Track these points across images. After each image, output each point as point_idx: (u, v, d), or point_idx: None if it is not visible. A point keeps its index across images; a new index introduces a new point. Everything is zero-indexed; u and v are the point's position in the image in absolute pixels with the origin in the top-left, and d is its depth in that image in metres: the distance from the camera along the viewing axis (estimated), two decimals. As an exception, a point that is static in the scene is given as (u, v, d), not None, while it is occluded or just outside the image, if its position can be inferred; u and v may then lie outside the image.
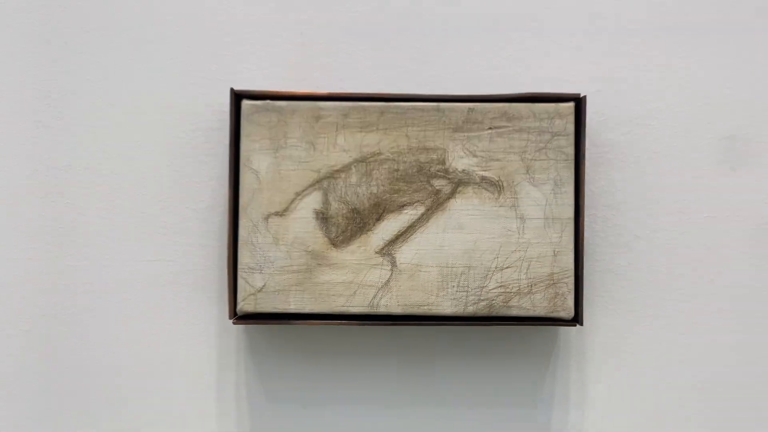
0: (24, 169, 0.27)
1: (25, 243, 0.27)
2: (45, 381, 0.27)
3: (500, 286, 0.25)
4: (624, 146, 0.28)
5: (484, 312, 0.25)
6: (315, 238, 0.26)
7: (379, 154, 0.25)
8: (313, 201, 0.26)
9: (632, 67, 0.27)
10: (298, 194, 0.26)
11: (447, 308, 0.26)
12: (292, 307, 0.26)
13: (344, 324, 0.25)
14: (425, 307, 0.26)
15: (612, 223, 0.28)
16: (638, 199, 0.28)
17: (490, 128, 0.26)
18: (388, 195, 0.26)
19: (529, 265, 0.25)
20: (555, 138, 0.25)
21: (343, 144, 0.25)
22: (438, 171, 0.26)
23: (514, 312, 0.25)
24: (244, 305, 0.25)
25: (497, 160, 0.25)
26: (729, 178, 0.27)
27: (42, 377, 0.27)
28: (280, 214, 0.26)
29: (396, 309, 0.26)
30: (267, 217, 0.25)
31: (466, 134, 0.26)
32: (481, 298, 0.25)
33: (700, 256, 0.27)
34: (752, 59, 0.28)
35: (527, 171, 0.26)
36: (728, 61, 0.28)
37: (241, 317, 0.26)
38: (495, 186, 0.26)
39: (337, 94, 0.26)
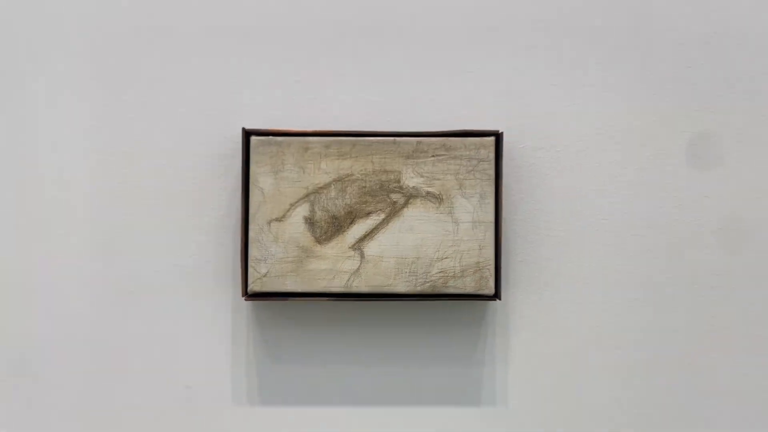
0: (85, 184, 0.36)
1: (85, 243, 0.36)
2: (97, 342, 0.36)
3: (440, 272, 0.34)
4: (535, 168, 0.36)
5: (429, 290, 0.34)
6: (304, 237, 0.34)
7: (352, 175, 0.34)
8: (303, 210, 0.34)
9: (541, 107, 0.36)
10: (292, 205, 0.34)
11: (401, 288, 0.34)
12: (288, 287, 0.34)
13: (326, 300, 0.34)
14: (386, 288, 0.35)
15: (526, 225, 0.37)
16: (545, 206, 0.36)
17: (433, 156, 0.34)
18: (358, 205, 0.34)
19: (461, 256, 0.34)
20: (480, 163, 0.34)
21: (325, 168, 0.34)
22: (395, 187, 0.35)
23: (451, 290, 0.34)
24: (253, 286, 0.34)
25: (438, 179, 0.34)
26: (616, 190, 0.36)
27: (94, 340, 0.36)
28: (279, 219, 0.35)
29: (364, 289, 0.34)
30: (269, 222, 0.34)
31: (415, 160, 0.34)
32: (426, 280, 0.34)
33: (595, 246, 0.36)
34: (634, 94, 0.36)
35: (460, 187, 0.34)
36: (614, 97, 0.36)
37: (250, 295, 0.35)
38: (436, 198, 0.34)
39: (320, 131, 0.34)
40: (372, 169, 0.34)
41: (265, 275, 0.34)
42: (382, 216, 0.34)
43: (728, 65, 0.37)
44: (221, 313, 0.36)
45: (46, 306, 0.36)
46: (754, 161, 0.36)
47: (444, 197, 0.34)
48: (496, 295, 0.34)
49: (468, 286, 0.34)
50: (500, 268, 0.34)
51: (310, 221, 0.34)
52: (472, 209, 0.34)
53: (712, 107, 0.36)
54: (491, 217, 0.34)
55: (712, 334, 0.36)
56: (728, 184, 0.36)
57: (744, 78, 0.36)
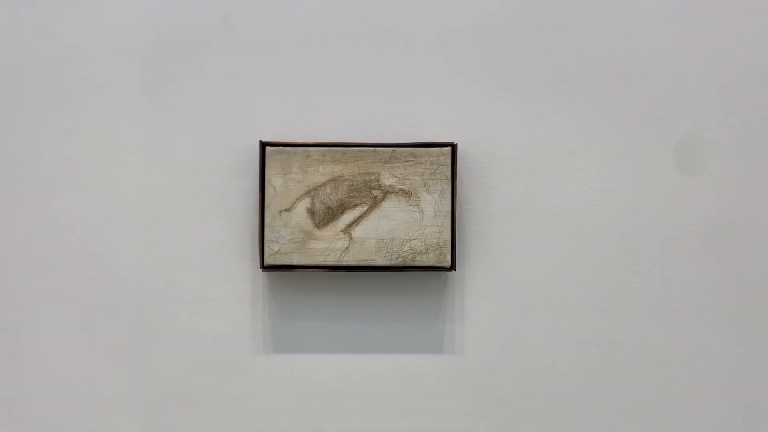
0: (140, 181, 0.46)
1: (140, 225, 0.47)
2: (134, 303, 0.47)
3: (410, 249, 0.45)
4: (483, 170, 0.47)
5: (401, 263, 0.45)
6: (306, 223, 0.45)
7: (342, 176, 0.45)
8: (305, 203, 0.45)
9: (488, 122, 0.47)
10: (297, 199, 0.45)
11: (380, 262, 0.45)
12: (294, 262, 0.45)
13: (323, 271, 0.45)
14: (368, 261, 0.45)
15: (475, 214, 0.47)
16: (490, 199, 0.47)
17: (404, 161, 0.45)
18: (347, 199, 0.45)
19: (425, 238, 0.45)
20: (440, 167, 0.45)
21: (322, 171, 0.45)
22: (375, 185, 0.45)
23: (418, 263, 0.45)
24: (268, 260, 0.45)
25: (408, 179, 0.45)
26: (549, 185, 0.46)
27: (146, 297, 0.47)
28: (287, 210, 0.45)
29: (352, 262, 0.45)
30: (280, 212, 0.45)
31: (390, 165, 0.45)
32: (399, 256, 0.45)
33: (530, 228, 0.47)
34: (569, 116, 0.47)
35: (425, 185, 0.45)
36: (549, 110, 0.47)
37: (266, 267, 0.45)
38: (407, 194, 0.45)
39: (318, 143, 0.45)
40: (358, 172, 0.45)
41: (276, 252, 0.45)
42: (366, 207, 0.45)
43: (671, 79, 0.47)
44: (243, 281, 0.47)
45: (110, 271, 0.47)
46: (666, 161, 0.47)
47: (412, 193, 0.45)
48: (452, 267, 0.45)
49: (431, 260, 0.45)
50: (455, 246, 0.45)
51: (311, 211, 0.45)
52: (433, 202, 0.45)
53: (651, 118, 0.47)
54: (448, 208, 0.45)
55: (630, 302, 0.47)
56: (637, 182, 0.47)
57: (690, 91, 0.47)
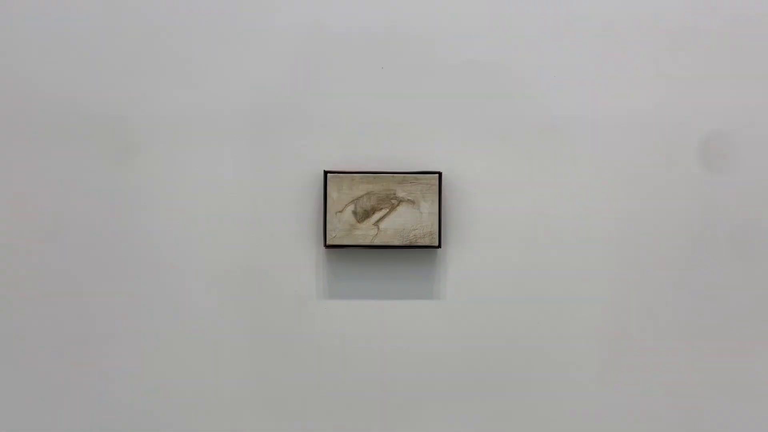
0: (240, 193, 0.75)
1: (239, 227, 0.76)
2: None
3: (414, 235, 0.73)
4: (459, 187, 0.75)
5: (408, 244, 0.73)
6: (351, 219, 0.74)
7: (373, 191, 0.73)
8: (350, 207, 0.74)
9: (471, 156, 0.75)
10: (346, 205, 0.74)
11: (396, 242, 0.74)
12: (344, 243, 0.74)
13: (361, 249, 0.73)
14: (389, 242, 0.73)
15: (455, 214, 0.76)
16: (467, 206, 0.75)
17: (410, 183, 0.73)
18: (376, 205, 0.74)
19: (423, 228, 0.73)
20: (432, 186, 0.73)
21: (361, 188, 0.73)
22: (393, 197, 0.74)
23: (418, 243, 0.73)
24: (329, 242, 0.73)
25: (413, 193, 0.73)
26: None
27: (246, 265, 0.76)
28: (340, 211, 0.74)
29: (379, 243, 0.73)
30: (335, 213, 0.74)
31: (402, 185, 0.73)
32: (407, 239, 0.73)
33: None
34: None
35: (423, 197, 0.73)
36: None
37: (327, 246, 0.74)
38: (412, 202, 0.74)
39: (358, 170, 0.73)
40: (382, 188, 0.74)
41: (333, 237, 0.73)
42: (387, 210, 0.74)
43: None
44: (314, 255, 0.74)
45: (228, 255, 0.76)
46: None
47: (415, 201, 0.74)
48: (439, 246, 0.74)
49: (426, 242, 0.73)
50: (441, 234, 0.74)
51: (354, 212, 0.74)
52: (428, 207, 0.73)
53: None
54: (436, 211, 0.73)
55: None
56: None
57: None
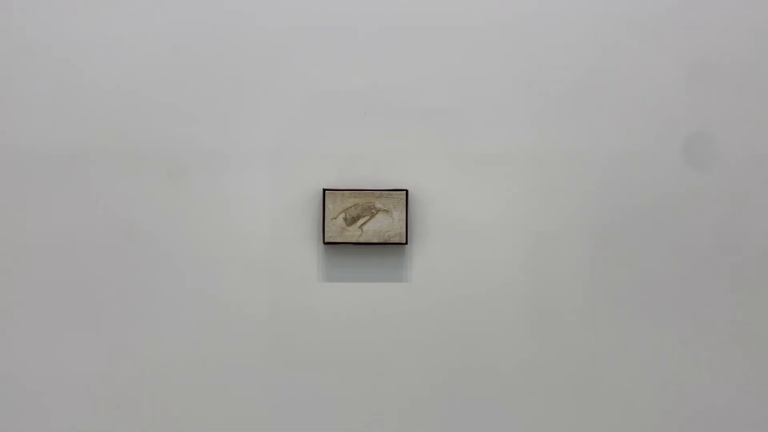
0: (268, 204, 1.03)
1: (266, 232, 1.04)
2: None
3: (388, 235, 1.01)
4: (421, 199, 1.03)
5: (383, 241, 1.00)
6: (342, 223, 1.01)
7: (358, 203, 1.00)
8: (342, 215, 1.01)
9: (429, 178, 1.03)
10: (338, 213, 1.00)
11: (375, 240, 1.01)
12: (338, 240, 1.01)
13: (350, 245, 1.00)
14: (370, 240, 1.01)
15: (420, 219, 1.03)
16: (426, 212, 1.03)
17: (385, 197, 1.01)
18: (360, 214, 1.01)
19: (394, 230, 1.00)
20: (401, 200, 1.00)
21: (350, 201, 1.00)
22: (372, 208, 1.01)
23: (391, 241, 1.00)
24: (327, 240, 1.01)
25: (387, 205, 1.00)
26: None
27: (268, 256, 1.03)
28: (334, 218, 1.00)
29: (363, 241, 1.00)
30: (331, 219, 1.00)
31: (380, 199, 1.00)
32: (383, 238, 1.00)
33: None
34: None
35: (394, 207, 1.00)
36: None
37: (326, 243, 1.01)
38: (387, 212, 1.01)
39: (348, 188, 1.01)
40: (365, 201, 1.01)
41: (330, 236, 1.00)
42: (368, 217, 1.01)
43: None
44: (314, 250, 0.99)
45: (250, 251, 1.03)
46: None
47: (389, 211, 1.01)
48: (406, 243, 1.02)
49: (396, 240, 0.99)
50: (408, 234, 1.01)
51: (344, 218, 1.01)
52: (398, 215, 1.00)
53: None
54: (404, 217, 1.00)
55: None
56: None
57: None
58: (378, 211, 0.98)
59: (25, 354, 0.96)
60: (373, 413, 1.00)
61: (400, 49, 1.00)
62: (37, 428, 0.96)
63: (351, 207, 0.97)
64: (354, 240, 0.97)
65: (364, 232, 0.97)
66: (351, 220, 0.98)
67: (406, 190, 0.99)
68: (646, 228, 1.01)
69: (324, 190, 0.97)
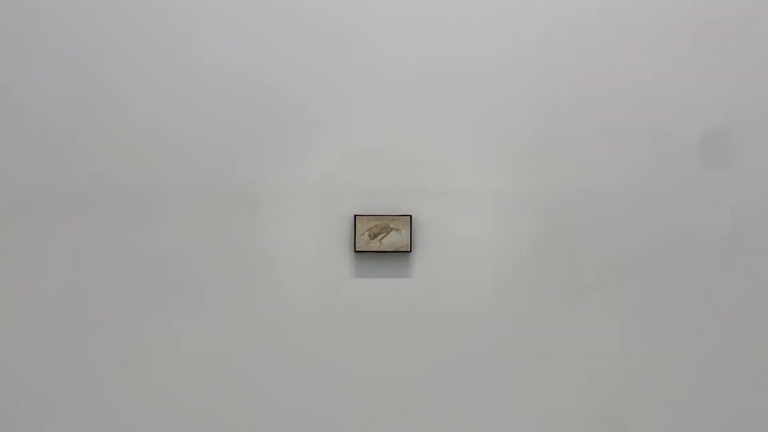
0: (311, 227, 1.50)
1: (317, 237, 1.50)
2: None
3: (398, 246, 1.47)
4: (422, 223, 1.49)
5: (394, 249, 1.46)
6: (367, 238, 1.47)
7: (378, 224, 1.47)
8: (367, 232, 1.47)
9: (425, 208, 1.49)
10: (365, 231, 1.47)
11: (389, 249, 1.47)
12: (364, 249, 1.47)
13: (372, 253, 1.47)
14: (385, 249, 1.47)
15: (422, 233, 1.49)
16: (427, 229, 1.49)
17: (397, 219, 1.47)
18: (379, 232, 1.47)
19: (402, 241, 1.47)
20: (406, 222, 1.46)
21: (371, 223, 1.47)
22: (388, 227, 1.47)
23: (400, 249, 1.46)
24: (357, 249, 1.47)
25: (398, 225, 1.47)
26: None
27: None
28: (362, 234, 1.47)
29: (381, 249, 1.47)
30: (360, 235, 1.47)
31: (392, 221, 1.47)
32: (396, 248, 1.47)
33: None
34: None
35: (403, 227, 1.46)
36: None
37: (356, 251, 1.47)
38: (398, 230, 1.47)
39: (371, 214, 1.47)
40: (382, 223, 1.47)
41: (359, 246, 1.46)
42: (385, 233, 1.47)
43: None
44: (349, 256, 1.44)
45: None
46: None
47: (399, 230, 1.47)
48: (410, 251, 1.47)
49: (404, 248, 1.46)
50: (411, 245, 1.47)
51: (369, 234, 1.47)
52: (405, 232, 1.46)
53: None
54: (409, 234, 1.46)
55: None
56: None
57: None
58: (392, 229, 1.45)
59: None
60: (389, 360, 1.46)
61: (407, 118, 1.46)
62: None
63: (373, 226, 1.44)
64: (375, 249, 1.42)
65: (382, 243, 1.43)
66: (373, 236, 1.44)
67: (411, 215, 1.46)
68: (580, 243, 1.46)
69: (355, 215, 1.44)
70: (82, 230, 1.34)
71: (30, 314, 1.33)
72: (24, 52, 1.36)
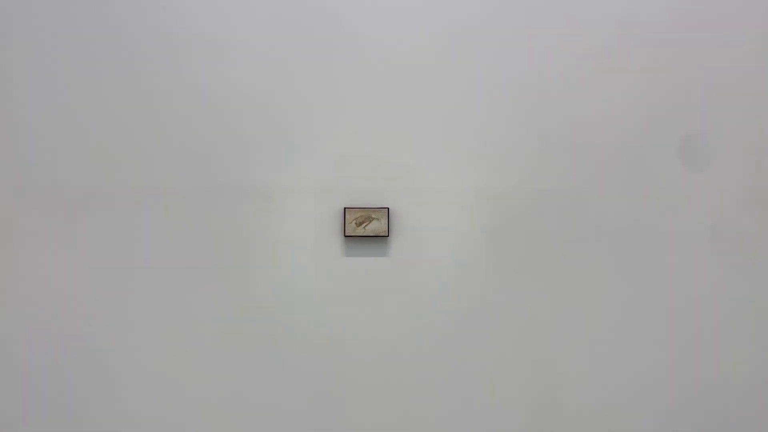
0: (311, 221, 1.91)
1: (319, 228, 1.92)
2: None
3: (378, 231, 1.89)
4: (398, 211, 1.91)
5: (375, 234, 1.89)
6: (354, 225, 1.89)
7: (363, 215, 1.89)
8: (354, 220, 1.89)
9: (400, 202, 1.90)
10: (352, 220, 1.89)
11: (371, 234, 1.90)
12: (352, 234, 1.89)
13: (358, 237, 1.90)
14: (368, 234, 1.90)
15: (399, 221, 1.91)
16: (404, 218, 1.91)
17: (378, 210, 1.89)
18: (363, 221, 1.89)
19: (381, 228, 1.89)
20: (384, 213, 1.88)
21: (357, 214, 1.88)
22: (370, 217, 1.89)
23: (380, 235, 1.89)
24: (346, 234, 1.90)
25: (378, 215, 1.89)
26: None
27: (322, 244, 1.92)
28: (350, 222, 1.89)
29: (365, 234, 1.90)
30: (348, 223, 1.89)
31: (374, 212, 1.88)
32: (376, 233, 1.89)
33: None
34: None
35: (382, 217, 1.88)
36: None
37: (346, 236, 1.89)
38: (378, 219, 1.89)
39: (356, 207, 1.89)
40: (366, 214, 1.88)
41: (348, 232, 1.89)
42: (368, 222, 1.88)
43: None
44: (339, 239, 1.88)
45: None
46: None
47: (379, 219, 1.89)
48: (388, 236, 1.90)
49: (383, 233, 1.89)
50: (389, 231, 1.89)
51: (355, 223, 1.88)
52: (384, 221, 1.88)
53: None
54: (387, 222, 1.88)
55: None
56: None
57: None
58: (373, 219, 1.87)
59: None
60: (370, 319, 1.89)
61: (385, 133, 1.87)
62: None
63: (358, 216, 1.85)
64: (360, 234, 1.82)
65: (366, 230, 1.85)
66: (359, 224, 1.86)
67: (388, 208, 1.88)
68: (522, 230, 1.88)
69: (344, 208, 1.85)
70: (131, 222, 1.75)
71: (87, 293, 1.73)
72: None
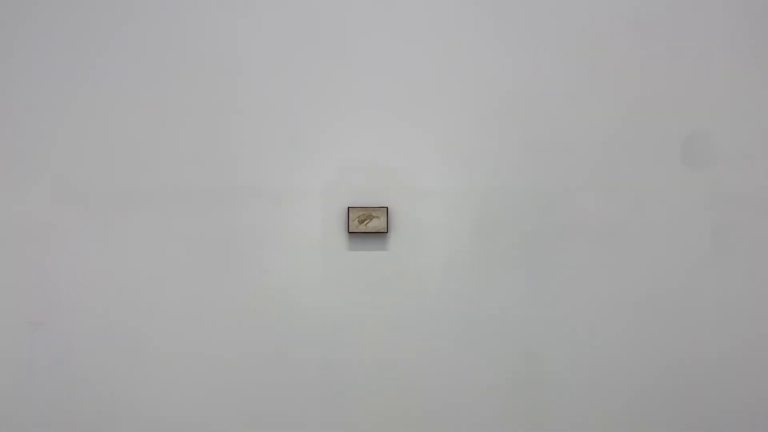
0: (317, 221, 2.13)
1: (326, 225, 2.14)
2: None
3: (378, 228, 2.11)
4: (396, 209, 2.13)
5: (375, 230, 2.10)
6: (357, 222, 2.10)
7: (365, 213, 2.11)
8: (357, 218, 2.10)
9: (397, 203, 2.12)
10: (355, 218, 2.10)
11: (372, 231, 2.12)
12: (355, 231, 2.11)
13: (360, 234, 2.11)
14: (369, 230, 2.12)
15: (397, 219, 2.13)
16: (402, 216, 2.13)
17: (378, 209, 2.11)
18: (365, 218, 2.11)
19: (381, 225, 2.10)
20: (384, 212, 2.09)
21: (360, 212, 2.10)
22: (371, 215, 2.11)
23: (379, 231, 2.10)
24: (350, 231, 2.11)
25: (378, 213, 2.10)
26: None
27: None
28: (354, 220, 2.11)
29: (366, 230, 2.12)
30: (352, 220, 2.11)
31: (375, 211, 2.10)
32: (377, 230, 2.10)
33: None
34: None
35: (382, 215, 2.10)
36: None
37: (350, 233, 2.11)
38: (378, 217, 2.11)
39: (359, 206, 2.11)
40: (368, 212, 2.10)
41: (351, 228, 2.11)
42: (370, 220, 2.10)
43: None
44: (344, 235, 2.05)
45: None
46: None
47: (379, 217, 2.10)
48: (387, 232, 2.11)
49: (382, 230, 2.11)
50: (388, 228, 2.10)
51: (358, 220, 2.10)
52: (384, 219, 2.09)
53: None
54: (386, 220, 2.10)
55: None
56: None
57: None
58: (374, 217, 2.08)
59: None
60: (371, 306, 2.10)
61: (385, 140, 2.09)
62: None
63: (361, 215, 2.05)
64: (363, 231, 1.98)
65: (368, 227, 2.03)
66: (361, 221, 2.07)
67: (387, 207, 2.08)
68: (505, 226, 2.09)
69: (348, 207, 2.03)
70: (158, 221, 1.96)
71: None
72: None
